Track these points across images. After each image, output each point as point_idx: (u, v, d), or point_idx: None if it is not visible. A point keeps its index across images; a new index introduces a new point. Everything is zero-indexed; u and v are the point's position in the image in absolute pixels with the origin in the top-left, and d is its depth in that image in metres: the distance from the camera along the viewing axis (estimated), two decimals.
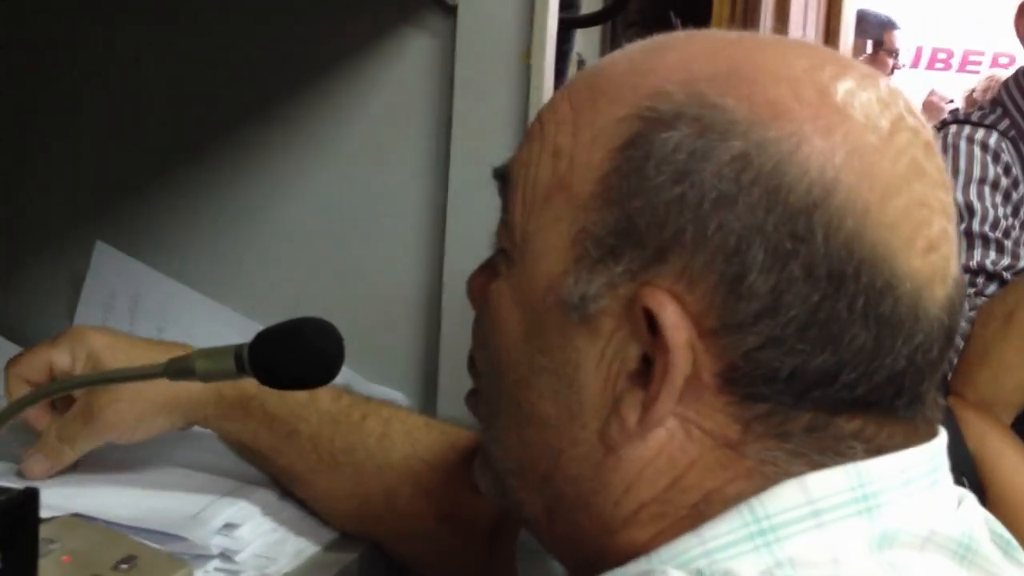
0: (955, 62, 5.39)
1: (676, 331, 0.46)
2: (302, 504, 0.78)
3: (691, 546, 0.47)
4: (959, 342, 1.14)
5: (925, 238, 0.47)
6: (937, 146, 0.50)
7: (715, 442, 0.47)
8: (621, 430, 0.48)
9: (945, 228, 0.49)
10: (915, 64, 5.16)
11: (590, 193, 0.49)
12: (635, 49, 0.53)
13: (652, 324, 0.47)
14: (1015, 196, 1.28)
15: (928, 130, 0.50)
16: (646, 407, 0.47)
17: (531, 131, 0.54)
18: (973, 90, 4.48)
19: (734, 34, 0.53)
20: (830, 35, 2.27)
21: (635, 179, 0.47)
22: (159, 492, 0.76)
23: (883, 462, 0.47)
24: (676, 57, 0.50)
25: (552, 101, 0.54)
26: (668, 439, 0.48)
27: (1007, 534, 0.52)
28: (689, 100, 0.48)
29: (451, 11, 0.85)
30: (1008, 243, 1.24)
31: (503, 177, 0.54)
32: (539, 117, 0.54)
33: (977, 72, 4.95)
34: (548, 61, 0.80)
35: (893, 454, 0.48)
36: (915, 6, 5.12)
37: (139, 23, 0.96)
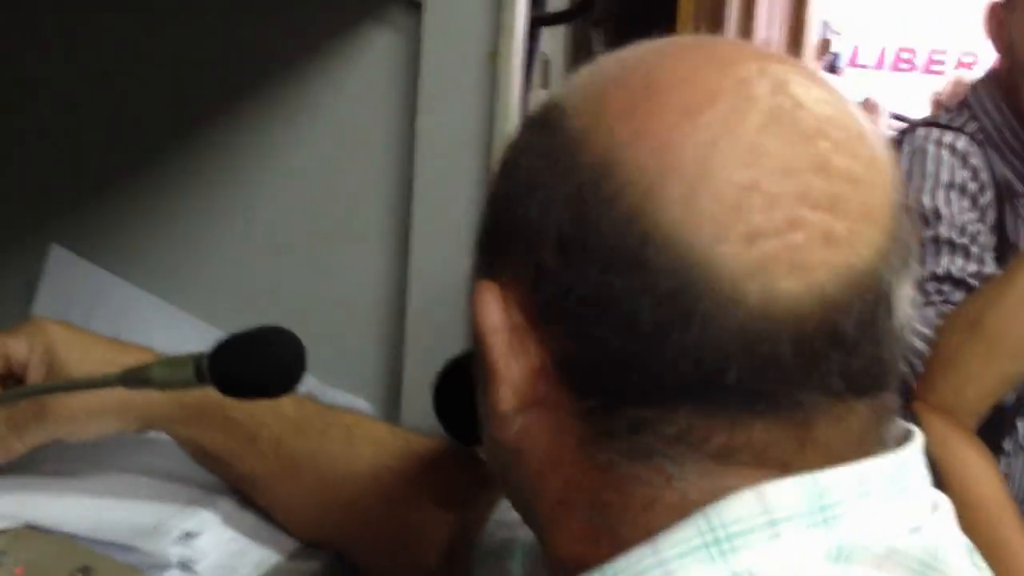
0: (919, 62, 5.44)
1: (482, 322, 0.48)
2: (263, 513, 0.77)
3: (645, 555, 0.45)
4: (924, 348, 1.14)
5: (749, 224, 0.43)
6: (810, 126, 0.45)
7: (576, 439, 0.47)
8: (502, 429, 0.49)
9: (782, 217, 0.44)
10: (879, 65, 5.20)
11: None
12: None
13: None
14: (982, 201, 1.27)
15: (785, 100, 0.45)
16: (500, 398, 0.48)
17: None
18: (940, 93, 4.52)
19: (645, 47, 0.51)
20: (795, 34, 2.28)
21: (501, 182, 0.51)
22: (116, 502, 0.74)
23: (840, 473, 0.46)
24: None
25: None
26: (538, 429, 0.48)
27: (969, 542, 0.51)
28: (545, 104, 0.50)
29: (417, 7, 0.83)
30: (975, 248, 1.24)
31: None
32: None
33: (942, 72, 5.00)
34: (516, 59, 0.79)
35: (851, 465, 0.46)
36: (880, 7, 5.17)
37: (95, 23, 0.94)
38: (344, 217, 0.90)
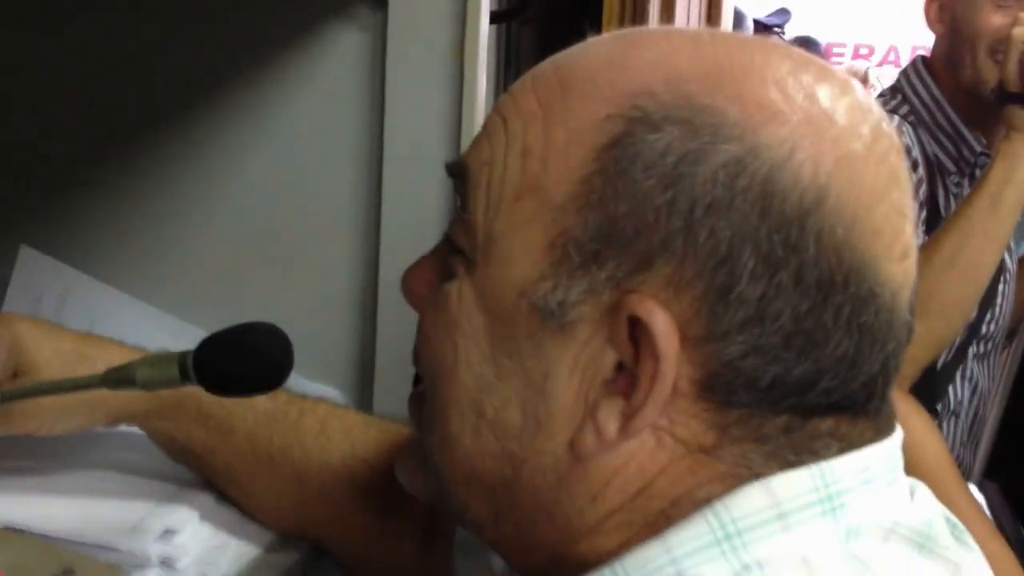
0: (819, 54, 5.62)
1: (667, 340, 0.44)
2: (240, 507, 0.77)
3: (657, 554, 0.46)
4: None
5: (901, 244, 0.48)
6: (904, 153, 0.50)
7: (687, 449, 0.46)
8: (597, 440, 0.47)
9: (912, 233, 0.49)
10: None
11: (569, 195, 0.46)
12: (603, 43, 0.50)
13: (633, 332, 0.45)
14: (914, 178, 1.34)
15: (898, 137, 0.50)
16: (628, 417, 0.46)
17: (491, 126, 0.51)
18: None
19: (707, 32, 0.50)
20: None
21: (621, 182, 0.45)
22: (94, 501, 0.74)
23: (845, 461, 0.47)
24: (655, 54, 0.48)
25: (514, 95, 0.51)
26: (639, 447, 0.47)
27: (954, 518, 0.53)
28: (677, 100, 0.46)
29: (382, 5, 0.84)
30: None
31: (459, 174, 0.51)
32: (500, 112, 0.51)
33: (840, 63, 5.16)
34: (481, 55, 0.80)
35: (854, 453, 0.48)
36: (782, 2, 5.32)
37: (61, 27, 0.93)
38: (314, 210, 0.90)
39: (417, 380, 0.56)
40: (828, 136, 0.46)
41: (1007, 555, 1.07)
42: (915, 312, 0.50)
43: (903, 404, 1.15)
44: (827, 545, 0.46)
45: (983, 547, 0.95)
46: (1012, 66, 1.18)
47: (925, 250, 1.20)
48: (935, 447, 1.10)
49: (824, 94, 0.47)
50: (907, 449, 1.08)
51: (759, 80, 0.46)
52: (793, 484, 0.46)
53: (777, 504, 0.46)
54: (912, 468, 0.56)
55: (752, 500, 0.46)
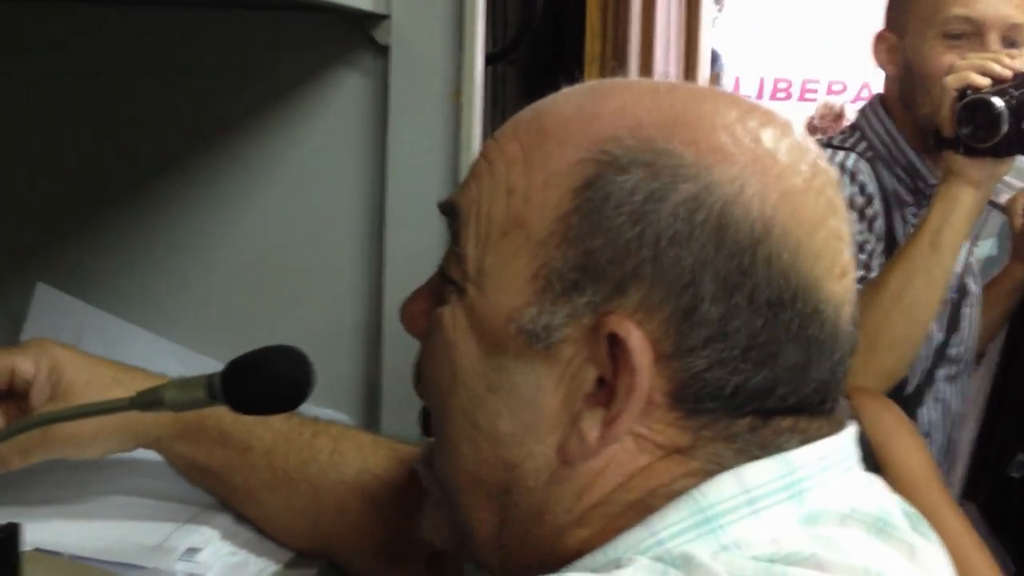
0: (795, 91, 5.72)
1: (642, 354, 0.50)
2: (258, 527, 0.81)
3: (643, 537, 0.51)
4: None
5: (840, 265, 0.54)
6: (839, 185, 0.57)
7: (665, 451, 0.52)
8: (580, 446, 0.52)
9: (850, 256, 0.55)
10: (759, 95, 5.46)
11: (550, 231, 0.52)
12: (575, 94, 0.57)
13: (612, 350, 0.51)
14: (869, 212, 1.39)
15: (833, 171, 0.56)
16: (607, 424, 0.52)
17: (478, 169, 0.56)
18: (812, 118, 4.77)
19: (665, 83, 0.57)
20: (689, 70, 2.41)
21: (595, 219, 0.51)
22: (121, 524, 0.78)
23: (806, 451, 0.53)
24: (620, 104, 0.54)
25: (498, 141, 0.56)
26: (621, 451, 0.52)
27: (912, 510, 0.58)
28: (640, 145, 0.52)
29: (383, 51, 0.89)
30: (862, 256, 1.35)
31: (451, 212, 0.57)
32: (486, 156, 0.57)
33: (814, 100, 5.26)
34: (477, 97, 0.86)
35: (813, 444, 0.53)
36: (757, 40, 5.43)
37: (77, 69, 0.97)
38: (321, 245, 0.95)
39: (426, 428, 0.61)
40: (772, 173, 0.52)
41: (992, 569, 1.11)
42: (858, 325, 0.56)
43: (888, 415, 1.19)
44: (791, 528, 0.51)
45: (969, 559, 0.99)
46: (945, 112, 1.22)
47: (873, 287, 1.23)
48: (920, 458, 1.14)
49: (768, 136, 0.53)
50: (895, 460, 1.12)
51: (711, 126, 0.53)
52: (761, 472, 0.52)
53: (747, 491, 0.52)
54: (897, 480, 0.60)
55: (725, 488, 0.52)
